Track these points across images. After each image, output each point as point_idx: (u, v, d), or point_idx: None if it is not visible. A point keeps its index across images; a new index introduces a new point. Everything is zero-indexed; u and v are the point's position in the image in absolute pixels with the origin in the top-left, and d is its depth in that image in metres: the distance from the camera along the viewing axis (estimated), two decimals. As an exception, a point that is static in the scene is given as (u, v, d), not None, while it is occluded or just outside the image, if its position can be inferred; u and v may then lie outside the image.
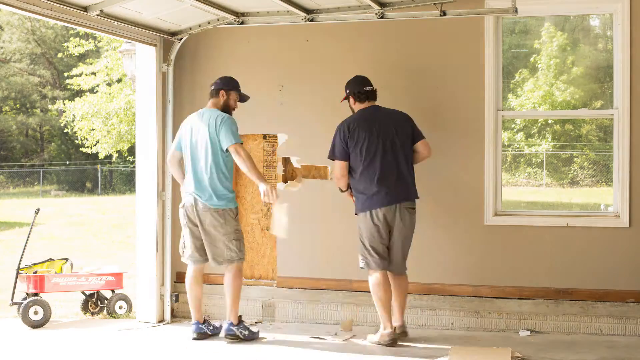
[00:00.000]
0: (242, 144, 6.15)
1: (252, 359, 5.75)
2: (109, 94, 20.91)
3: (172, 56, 6.97)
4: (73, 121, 21.99)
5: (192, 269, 6.36)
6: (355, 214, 6.15)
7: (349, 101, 6.26)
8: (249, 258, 7.10)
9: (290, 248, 6.95)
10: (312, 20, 6.42)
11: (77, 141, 24.08)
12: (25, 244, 7.37)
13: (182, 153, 6.34)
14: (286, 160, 6.92)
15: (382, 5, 6.18)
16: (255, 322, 6.90)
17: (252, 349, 5.99)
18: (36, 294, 7.10)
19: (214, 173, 6.15)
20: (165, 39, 6.96)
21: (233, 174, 6.35)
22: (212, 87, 6.39)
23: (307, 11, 6.39)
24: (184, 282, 6.53)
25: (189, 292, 6.36)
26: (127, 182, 31.83)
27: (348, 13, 6.36)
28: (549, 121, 20.25)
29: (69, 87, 26.36)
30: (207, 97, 6.36)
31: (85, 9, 5.89)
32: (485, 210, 6.54)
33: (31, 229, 7.52)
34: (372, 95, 6.18)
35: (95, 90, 21.73)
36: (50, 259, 7.62)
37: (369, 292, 6.05)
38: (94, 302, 7.55)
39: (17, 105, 36.50)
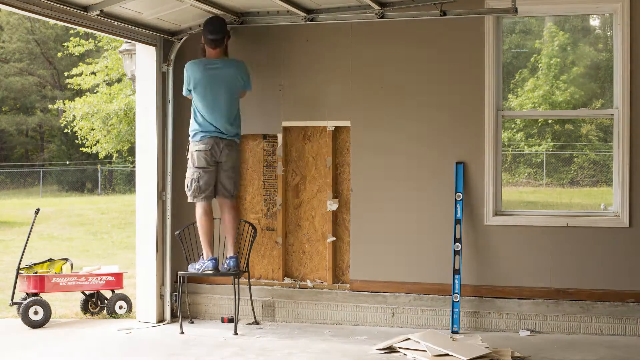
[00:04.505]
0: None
1: (252, 358, 5.75)
2: (109, 94, 20.88)
3: (172, 56, 6.96)
4: (73, 121, 21.96)
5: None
6: None
7: None
8: (249, 258, 7.09)
9: (292, 248, 6.95)
10: (312, 20, 6.42)
11: (77, 141, 24.04)
12: (25, 244, 7.37)
13: None
14: (286, 160, 6.91)
15: (382, 5, 6.18)
16: (256, 323, 6.90)
17: (251, 349, 5.99)
18: (36, 294, 7.10)
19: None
20: (165, 39, 6.95)
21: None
22: (217, 36, 6.46)
23: (307, 11, 6.39)
24: (183, 282, 6.50)
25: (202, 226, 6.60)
26: (127, 182, 31.80)
27: (348, 13, 6.35)
28: (549, 121, 20.24)
29: (69, 87, 26.35)
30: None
31: (85, 9, 5.89)
32: (485, 210, 6.54)
33: (31, 229, 7.51)
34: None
35: (95, 90, 21.70)
36: (50, 259, 7.62)
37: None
38: (94, 302, 7.56)
39: (17, 106, 36.48)
